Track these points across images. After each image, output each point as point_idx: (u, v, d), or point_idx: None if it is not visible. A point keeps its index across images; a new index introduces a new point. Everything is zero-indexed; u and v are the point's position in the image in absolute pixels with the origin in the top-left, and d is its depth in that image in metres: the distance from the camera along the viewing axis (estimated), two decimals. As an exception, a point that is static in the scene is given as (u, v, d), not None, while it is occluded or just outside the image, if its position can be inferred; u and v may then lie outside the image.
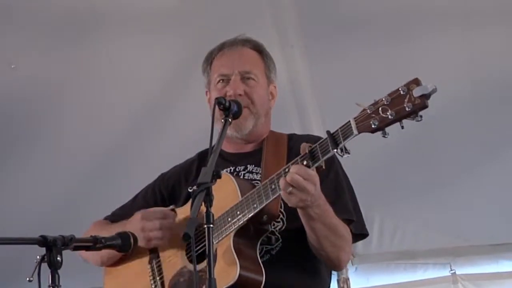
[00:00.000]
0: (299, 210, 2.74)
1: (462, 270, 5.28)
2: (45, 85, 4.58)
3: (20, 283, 2.62)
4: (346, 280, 5.32)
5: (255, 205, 2.73)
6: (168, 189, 3.20)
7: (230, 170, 3.04)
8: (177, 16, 4.40)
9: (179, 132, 4.76)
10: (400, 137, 4.46)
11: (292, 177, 2.60)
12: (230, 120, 2.84)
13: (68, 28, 4.38)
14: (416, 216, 5.12)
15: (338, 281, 5.28)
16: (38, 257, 2.41)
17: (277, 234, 2.90)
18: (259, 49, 3.15)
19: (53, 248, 2.41)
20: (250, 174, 3.03)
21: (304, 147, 2.65)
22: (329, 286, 3.06)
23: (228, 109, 2.85)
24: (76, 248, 2.53)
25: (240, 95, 3.01)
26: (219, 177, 2.47)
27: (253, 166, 3.03)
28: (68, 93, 4.66)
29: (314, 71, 4.62)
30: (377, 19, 4.38)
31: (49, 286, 2.37)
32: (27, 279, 2.37)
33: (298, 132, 3.30)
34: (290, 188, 2.61)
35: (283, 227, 2.90)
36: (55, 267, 2.39)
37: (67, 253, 2.49)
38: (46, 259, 2.40)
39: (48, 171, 4.89)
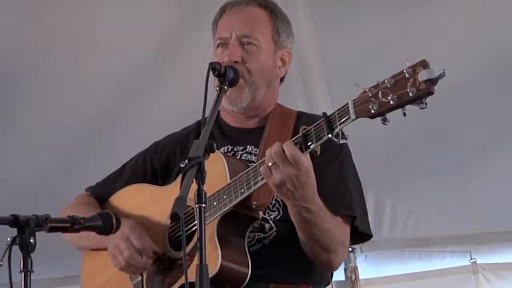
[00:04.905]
0: (289, 210, 2.70)
1: (483, 259, 5.27)
2: (19, 51, 4.53)
3: (-12, 267, 2.57)
4: (354, 269, 5.30)
5: (242, 190, 2.69)
6: (162, 162, 3.14)
7: (228, 149, 3.00)
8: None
9: (170, 101, 4.73)
10: (414, 114, 4.48)
11: (276, 149, 2.56)
12: (225, 88, 2.78)
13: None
14: (432, 200, 5.10)
15: (345, 270, 5.27)
16: (8, 238, 2.37)
17: (270, 222, 2.85)
18: (268, 8, 3.04)
19: (25, 229, 2.36)
20: (248, 155, 2.98)
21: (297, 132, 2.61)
22: (329, 282, 3.02)
23: (224, 76, 2.79)
24: (52, 230, 2.47)
25: (236, 62, 2.93)
26: (213, 151, 2.42)
27: (253, 147, 2.98)
28: (45, 60, 4.61)
29: (321, 36, 4.58)
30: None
31: (20, 271, 2.33)
32: (-4, 263, 2.33)
33: (302, 105, 3.25)
34: (272, 161, 2.56)
35: (279, 217, 2.86)
36: (27, 250, 2.34)
37: (43, 236, 2.44)
38: (17, 241, 2.35)
39: (22, 144, 4.84)
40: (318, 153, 2.59)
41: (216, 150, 2.51)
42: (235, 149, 2.99)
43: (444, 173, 4.96)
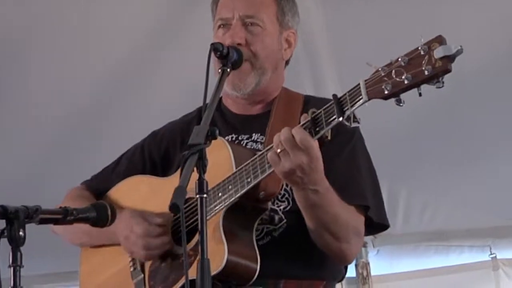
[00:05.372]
0: (295, 194, 2.72)
1: (504, 254, 5.29)
2: (2, 39, 4.55)
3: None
4: (366, 265, 5.33)
5: (248, 180, 2.71)
6: (161, 153, 3.17)
7: (232, 138, 3.02)
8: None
9: (170, 86, 4.75)
10: (432, 97, 4.48)
11: (285, 135, 2.57)
12: (228, 70, 2.80)
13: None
14: (450, 191, 5.11)
15: (356, 266, 5.31)
16: (-4, 231, 2.38)
17: (280, 213, 2.88)
18: None
19: (14, 221, 2.38)
20: (254, 144, 3.00)
21: (305, 115, 2.62)
22: (343, 277, 3.05)
23: (226, 57, 2.81)
24: (43, 221, 2.49)
25: (239, 44, 2.95)
26: (215, 137, 2.44)
27: (259, 134, 3.00)
28: (30, 48, 4.63)
29: (329, 16, 4.58)
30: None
31: (9, 266, 2.35)
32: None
33: (309, 89, 3.27)
34: (281, 147, 2.57)
35: (288, 207, 2.89)
36: (16, 243, 2.36)
37: (33, 229, 2.47)
38: (6, 234, 2.37)
39: (12, 133, 4.87)
40: (329, 138, 2.60)
41: (220, 137, 2.53)
42: (239, 138, 3.01)
43: (463, 162, 4.97)
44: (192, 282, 2.28)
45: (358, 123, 2.54)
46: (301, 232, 2.83)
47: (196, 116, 3.15)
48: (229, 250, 2.69)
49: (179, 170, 2.89)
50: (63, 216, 2.55)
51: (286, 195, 2.88)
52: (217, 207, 2.76)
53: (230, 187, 2.74)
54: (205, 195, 2.34)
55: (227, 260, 2.68)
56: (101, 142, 4.80)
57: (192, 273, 2.30)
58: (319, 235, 2.78)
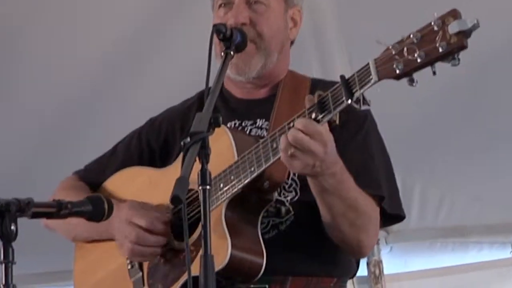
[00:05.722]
0: (308, 179, 2.72)
1: (525, 251, 5.29)
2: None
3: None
4: (378, 263, 5.33)
5: (252, 169, 2.71)
6: (159, 141, 3.17)
7: (235, 125, 3.02)
8: None
9: (167, 73, 4.76)
10: (449, 82, 4.49)
11: (295, 135, 2.56)
12: (232, 53, 2.79)
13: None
14: (469, 183, 5.10)
15: (368, 264, 5.30)
16: (-15, 225, 2.37)
17: (287, 205, 2.89)
18: None
19: (5, 214, 2.38)
20: (259, 130, 3.00)
21: (311, 97, 2.61)
22: (355, 273, 3.06)
23: (230, 40, 2.80)
24: (35, 215, 2.50)
25: (243, 24, 2.95)
26: (218, 125, 2.44)
27: (264, 120, 3.00)
28: (27, 33, 4.65)
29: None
30: None
31: (0, 262, 2.35)
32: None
33: (316, 71, 3.26)
34: (292, 150, 2.57)
35: (296, 198, 2.89)
36: (7, 238, 2.36)
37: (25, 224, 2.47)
38: (-4, 228, 2.37)
39: (2, 122, 4.89)
40: (337, 122, 2.59)
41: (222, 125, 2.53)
42: (243, 124, 3.02)
43: (483, 153, 4.97)
44: (195, 279, 2.28)
45: (368, 105, 2.53)
46: (310, 225, 2.84)
47: (196, 101, 3.15)
48: (233, 245, 2.70)
49: (178, 160, 2.93)
50: (57, 210, 2.54)
51: (294, 185, 2.88)
52: (219, 199, 2.76)
53: (232, 177, 2.74)
54: (208, 187, 2.33)
55: (231, 256, 2.69)
56: (92, 134, 4.82)
57: (194, 269, 2.29)
58: (336, 225, 2.78)
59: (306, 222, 2.85)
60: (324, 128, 2.58)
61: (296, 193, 2.88)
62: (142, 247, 2.92)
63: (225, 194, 2.75)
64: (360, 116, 2.86)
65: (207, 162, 2.36)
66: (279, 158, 2.64)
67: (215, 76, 2.70)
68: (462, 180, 5.10)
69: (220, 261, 2.66)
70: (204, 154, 2.35)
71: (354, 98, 2.50)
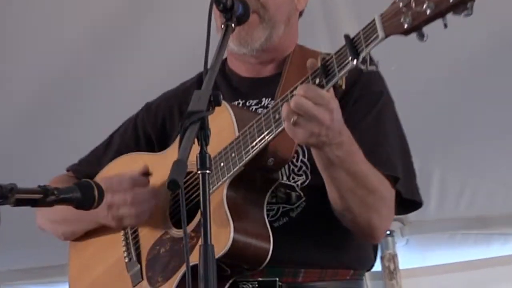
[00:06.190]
0: (313, 152, 2.71)
1: (554, 243, 5.31)
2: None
3: None
4: (393, 257, 5.34)
5: (253, 144, 2.71)
6: (157, 126, 3.19)
7: (239, 105, 3.03)
8: None
9: (160, 48, 4.76)
10: (472, 62, 4.49)
11: (297, 101, 2.56)
12: (233, 25, 2.80)
13: None
14: (492, 170, 5.11)
15: (382, 258, 5.32)
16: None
17: (298, 190, 2.89)
18: None
19: (-14, 201, 2.39)
20: (265, 110, 2.99)
21: (314, 61, 2.61)
22: (372, 265, 3.07)
23: (230, 11, 2.80)
24: (19, 203, 2.51)
25: None
26: (218, 103, 2.44)
27: (270, 99, 3.01)
28: (12, 9, 4.69)
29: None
30: None
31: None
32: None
33: (325, 46, 3.25)
34: (295, 117, 2.56)
35: (307, 182, 2.90)
36: (-10, 227, 2.37)
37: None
38: (-24, 217, 2.38)
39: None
40: (343, 87, 2.59)
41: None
42: (247, 104, 3.04)
43: (508, 136, 4.97)
44: (194, 267, 2.27)
45: (376, 66, 2.53)
46: (323, 211, 2.84)
47: (196, 82, 3.17)
48: (236, 229, 2.70)
49: (175, 143, 2.94)
50: (43, 197, 2.56)
51: (304, 168, 2.89)
52: (219, 179, 2.76)
53: (233, 154, 2.75)
54: (207, 171, 2.33)
55: (234, 240, 2.69)
56: (76, 119, 4.83)
57: (195, 257, 2.30)
58: (345, 204, 2.77)
59: (318, 209, 2.86)
60: (329, 94, 2.59)
61: (307, 177, 2.89)
62: (142, 204, 2.94)
63: (226, 173, 2.76)
64: (374, 93, 2.88)
65: (207, 144, 2.36)
66: (283, 130, 2.64)
67: (215, 51, 2.69)
68: (485, 166, 5.10)
69: (222, 246, 2.67)
70: (203, 136, 2.35)
71: (360, 58, 2.51)
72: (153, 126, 3.21)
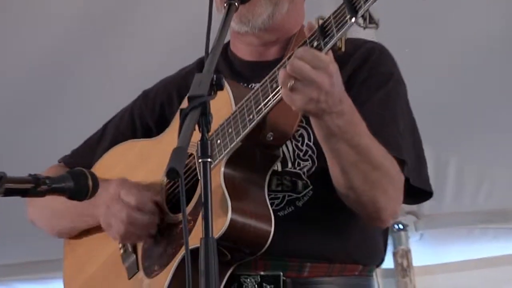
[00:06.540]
0: (313, 123, 2.70)
1: None
2: None
3: None
4: (406, 253, 5.35)
5: (251, 116, 2.72)
6: (155, 114, 3.21)
7: None
8: None
9: (160, 31, 4.77)
10: (489, 44, 4.48)
11: (294, 64, 2.55)
12: (236, 4, 2.80)
13: None
14: (512, 160, 5.12)
15: (394, 254, 5.33)
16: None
17: (304, 178, 2.90)
18: None
19: (-26, 191, 2.40)
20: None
21: (312, 24, 2.61)
22: (382, 261, 3.07)
23: (233, -11, 2.82)
24: (9, 192, 2.52)
25: None
26: (221, 87, 2.43)
27: None
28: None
29: None
30: None
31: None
32: None
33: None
34: (293, 81, 2.56)
35: (313, 169, 2.90)
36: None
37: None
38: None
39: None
40: (342, 49, 2.57)
41: None
42: (250, 87, 3.01)
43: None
44: (193, 252, 2.25)
45: (376, 25, 2.52)
46: (330, 201, 2.84)
47: (196, 67, 3.18)
48: (234, 208, 2.70)
49: (171, 127, 2.96)
50: (34, 186, 2.57)
51: (310, 152, 2.90)
52: (216, 157, 2.76)
53: (230, 130, 2.76)
54: (209, 160, 2.32)
55: (231, 220, 2.69)
56: (69, 106, 4.84)
57: (193, 241, 2.28)
58: (347, 181, 2.75)
59: (326, 199, 2.86)
60: (328, 57, 2.58)
61: (313, 162, 2.89)
62: (135, 228, 2.94)
63: (223, 150, 2.77)
64: (384, 74, 2.88)
65: (208, 130, 2.35)
66: (281, 100, 2.63)
67: (217, 32, 2.68)
68: (504, 156, 5.10)
69: (219, 227, 2.67)
70: (204, 122, 2.34)
71: (359, 16, 2.50)
72: (152, 114, 3.22)
